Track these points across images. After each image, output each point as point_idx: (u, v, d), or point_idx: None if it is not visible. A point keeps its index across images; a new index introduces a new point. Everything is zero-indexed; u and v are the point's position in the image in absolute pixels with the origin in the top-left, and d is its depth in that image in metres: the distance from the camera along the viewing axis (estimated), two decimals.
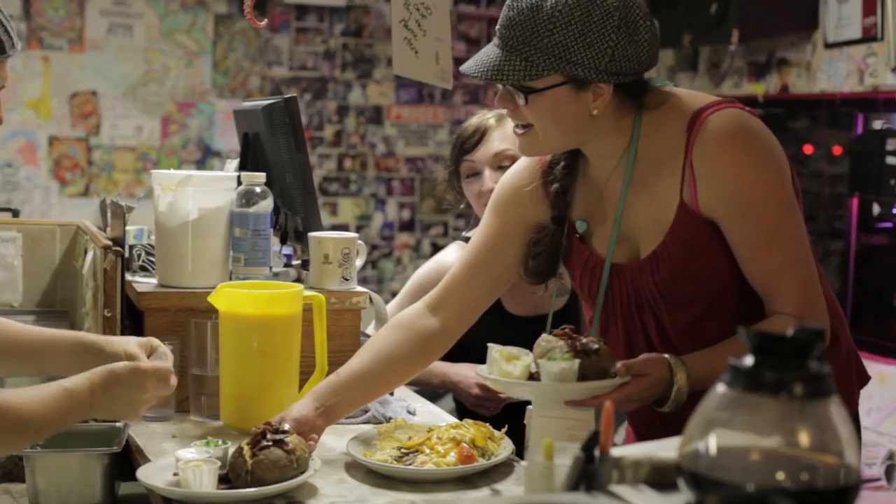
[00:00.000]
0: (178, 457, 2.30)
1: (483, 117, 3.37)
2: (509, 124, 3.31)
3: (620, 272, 2.51)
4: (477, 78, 2.42)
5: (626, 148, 2.47)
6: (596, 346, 2.25)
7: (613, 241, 2.51)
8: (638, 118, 2.46)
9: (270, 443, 2.27)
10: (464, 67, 2.45)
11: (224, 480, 2.28)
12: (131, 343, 2.41)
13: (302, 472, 2.29)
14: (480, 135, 3.31)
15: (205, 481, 2.22)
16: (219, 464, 2.28)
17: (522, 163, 2.72)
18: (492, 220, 2.70)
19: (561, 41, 2.32)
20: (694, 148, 2.38)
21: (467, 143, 3.33)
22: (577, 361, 2.21)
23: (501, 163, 3.27)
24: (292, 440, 2.29)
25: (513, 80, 2.36)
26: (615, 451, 1.58)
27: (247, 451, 2.26)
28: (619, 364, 2.26)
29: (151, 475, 2.30)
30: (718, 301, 2.46)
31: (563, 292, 3.34)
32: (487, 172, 3.28)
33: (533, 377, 2.29)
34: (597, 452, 1.57)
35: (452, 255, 3.42)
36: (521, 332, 3.26)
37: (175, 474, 2.28)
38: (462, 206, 3.45)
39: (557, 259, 2.65)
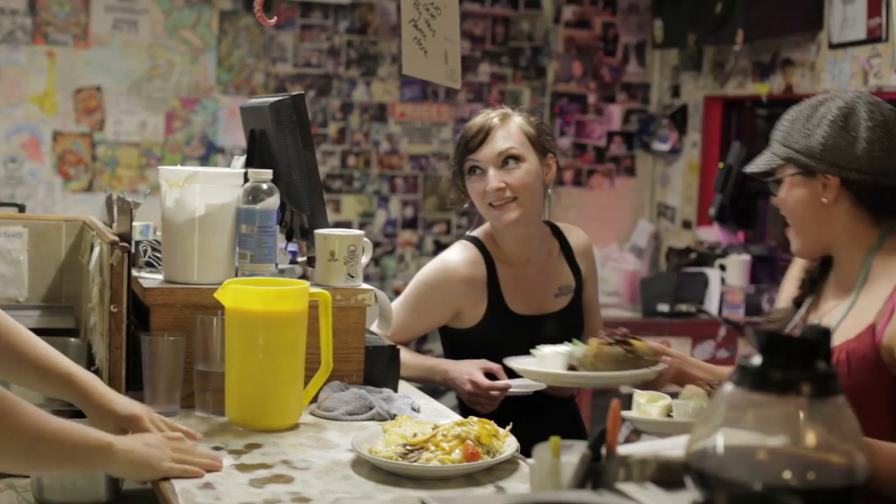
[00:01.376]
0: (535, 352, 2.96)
1: (487, 116, 3.38)
2: (513, 123, 3.33)
3: None
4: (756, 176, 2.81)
5: (861, 261, 2.69)
6: None
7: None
8: (883, 235, 2.69)
9: (613, 342, 2.80)
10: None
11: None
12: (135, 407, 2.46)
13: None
14: (485, 134, 3.33)
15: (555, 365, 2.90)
16: (569, 352, 2.90)
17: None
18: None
19: (788, 132, 2.70)
20: None
21: (471, 143, 3.34)
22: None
23: (505, 161, 3.29)
24: (636, 343, 2.80)
25: (758, 168, 2.77)
26: (622, 450, 1.59)
27: (593, 346, 2.81)
28: None
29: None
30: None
31: (566, 292, 3.45)
32: (492, 171, 3.30)
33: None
34: (603, 450, 1.58)
35: (457, 255, 3.43)
36: (525, 330, 3.30)
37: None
38: (466, 204, 3.47)
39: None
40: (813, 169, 2.64)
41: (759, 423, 1.37)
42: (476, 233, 3.51)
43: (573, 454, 1.70)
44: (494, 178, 3.28)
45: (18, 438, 2.10)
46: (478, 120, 3.40)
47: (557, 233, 3.54)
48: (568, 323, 3.43)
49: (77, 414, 2.81)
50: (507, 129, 3.34)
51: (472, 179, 3.36)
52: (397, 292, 7.79)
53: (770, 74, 6.52)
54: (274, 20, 3.30)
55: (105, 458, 2.20)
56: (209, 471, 2.33)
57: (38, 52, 7.08)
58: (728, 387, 1.38)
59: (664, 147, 7.58)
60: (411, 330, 3.48)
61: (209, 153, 7.41)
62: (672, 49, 7.38)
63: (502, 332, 3.34)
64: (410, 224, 7.81)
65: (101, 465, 2.24)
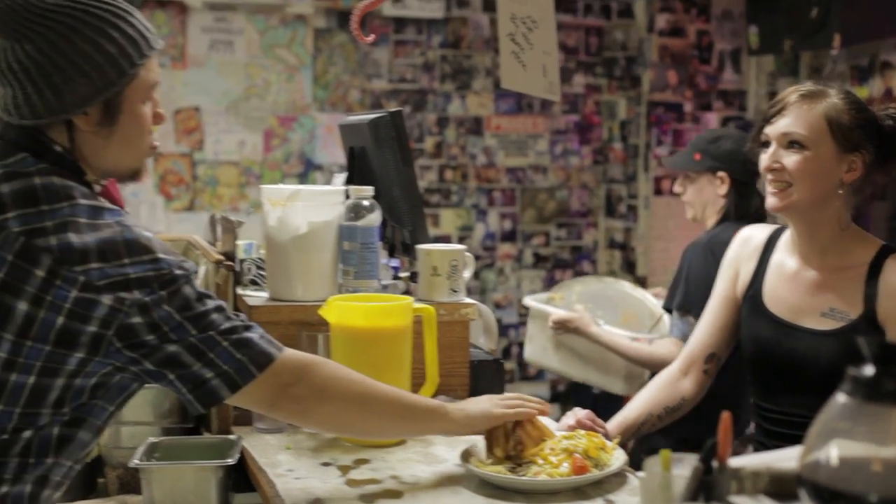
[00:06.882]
0: None
1: (796, 90, 3.04)
2: (818, 106, 2.97)
3: None
4: None
5: None
6: None
7: None
8: None
9: None
10: None
11: None
12: None
13: None
14: (780, 108, 3.01)
15: None
16: None
17: None
18: None
19: None
20: None
21: (768, 113, 3.05)
22: None
23: (790, 144, 2.97)
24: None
25: None
26: (734, 462, 1.58)
27: None
28: None
29: None
30: None
31: (837, 317, 2.95)
32: (773, 147, 2.99)
33: None
34: (715, 463, 1.57)
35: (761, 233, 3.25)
36: (772, 329, 3.03)
37: None
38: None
39: None
40: None
41: (873, 435, 1.36)
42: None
43: (684, 467, 1.69)
44: (772, 155, 2.98)
45: (382, 408, 2.37)
46: (788, 90, 3.06)
47: (879, 258, 2.98)
48: (825, 350, 2.94)
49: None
50: (806, 110, 2.97)
51: (762, 150, 3.04)
52: (498, 305, 7.84)
53: (869, 78, 6.44)
54: (372, 37, 3.32)
55: (440, 416, 2.45)
56: (540, 414, 2.53)
57: None
58: (841, 397, 1.37)
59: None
60: (707, 329, 3.18)
61: (307, 170, 7.47)
62: (768, 55, 7.33)
63: (755, 325, 3.08)
64: (509, 237, 7.82)
65: (438, 423, 2.47)
